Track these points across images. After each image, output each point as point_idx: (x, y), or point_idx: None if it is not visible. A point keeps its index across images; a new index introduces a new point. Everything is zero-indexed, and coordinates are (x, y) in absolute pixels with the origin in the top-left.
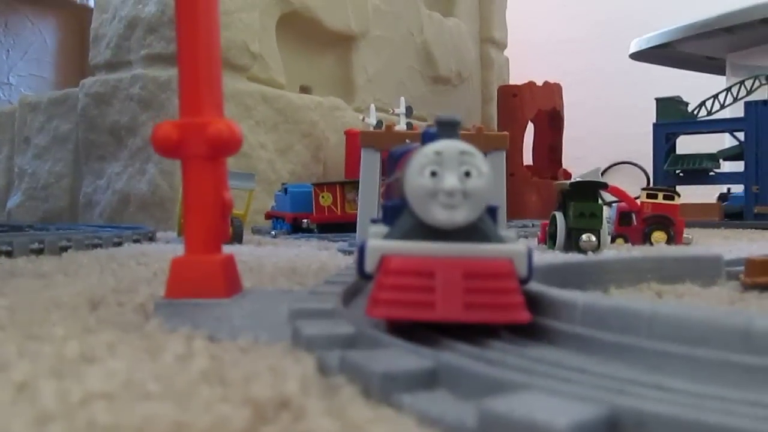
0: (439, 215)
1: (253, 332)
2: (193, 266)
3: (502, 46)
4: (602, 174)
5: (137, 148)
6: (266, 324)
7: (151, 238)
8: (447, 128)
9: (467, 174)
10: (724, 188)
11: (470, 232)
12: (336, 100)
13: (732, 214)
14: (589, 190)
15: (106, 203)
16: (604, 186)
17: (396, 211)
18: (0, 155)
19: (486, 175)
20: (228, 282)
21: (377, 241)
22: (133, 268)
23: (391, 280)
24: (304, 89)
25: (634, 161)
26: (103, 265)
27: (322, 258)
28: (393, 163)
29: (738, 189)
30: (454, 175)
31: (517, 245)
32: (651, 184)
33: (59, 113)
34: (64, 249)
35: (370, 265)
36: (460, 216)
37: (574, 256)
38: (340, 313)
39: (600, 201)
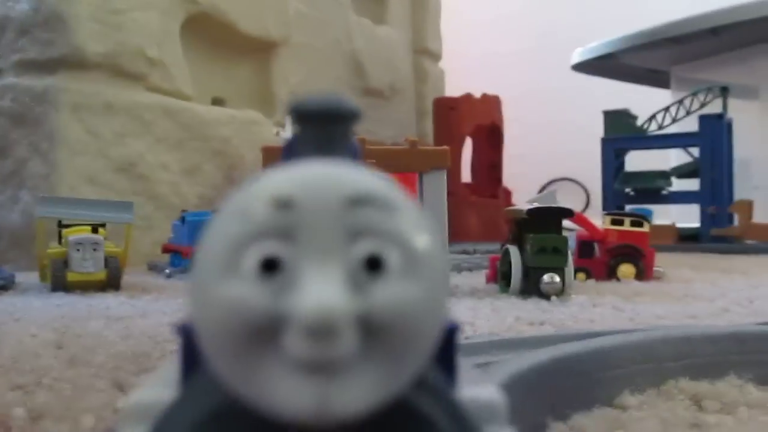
0: (290, 396)
1: None
2: None
3: (436, 57)
4: (541, 192)
5: (9, 172)
6: None
7: (3, 287)
8: (318, 131)
9: (372, 264)
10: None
11: (385, 429)
12: (253, 113)
13: (686, 237)
14: (550, 219)
15: None
16: (569, 213)
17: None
18: None
19: (429, 264)
20: None
21: None
22: None
23: None
24: (218, 102)
25: (574, 177)
26: None
27: None
28: None
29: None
30: (331, 272)
31: None
32: (590, 203)
33: None
34: None
35: None
36: (351, 396)
37: (557, 347)
38: None
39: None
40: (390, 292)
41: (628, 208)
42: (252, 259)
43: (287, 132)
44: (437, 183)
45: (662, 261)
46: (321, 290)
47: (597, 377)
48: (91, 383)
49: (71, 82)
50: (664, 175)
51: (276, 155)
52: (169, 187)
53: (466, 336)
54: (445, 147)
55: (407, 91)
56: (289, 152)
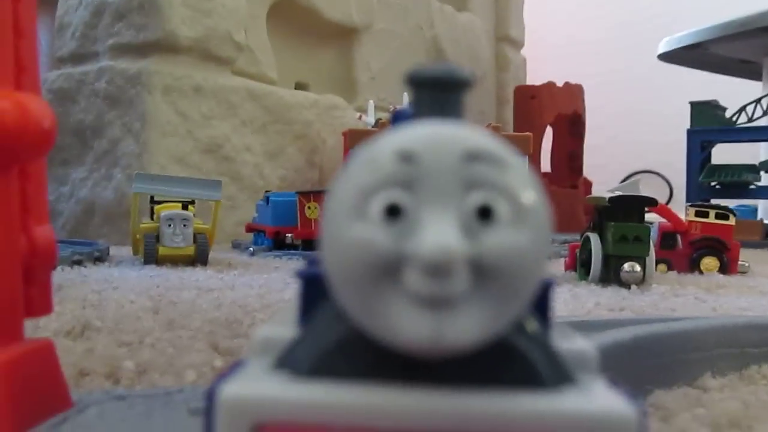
0: (408, 326)
1: None
2: None
3: (518, 45)
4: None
5: (103, 151)
6: None
7: (99, 258)
8: (435, 97)
9: (484, 213)
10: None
11: (489, 364)
12: (335, 98)
13: None
14: (633, 208)
15: (69, 213)
16: (653, 203)
17: (321, 292)
18: None
19: (535, 216)
20: (19, 404)
21: (250, 381)
22: None
23: None
24: (301, 86)
25: (657, 170)
26: None
27: (287, 294)
28: None
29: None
30: (447, 219)
31: (605, 399)
32: (673, 197)
33: None
34: None
35: None
36: (462, 329)
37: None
38: None
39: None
40: (499, 239)
41: (735, 205)
42: (378, 205)
43: (370, 117)
44: None
45: (747, 256)
46: (439, 233)
47: (679, 358)
48: (190, 344)
49: (163, 65)
50: (753, 169)
51: (358, 138)
52: (252, 169)
53: None
54: (528, 133)
55: (488, 78)
56: (398, 120)
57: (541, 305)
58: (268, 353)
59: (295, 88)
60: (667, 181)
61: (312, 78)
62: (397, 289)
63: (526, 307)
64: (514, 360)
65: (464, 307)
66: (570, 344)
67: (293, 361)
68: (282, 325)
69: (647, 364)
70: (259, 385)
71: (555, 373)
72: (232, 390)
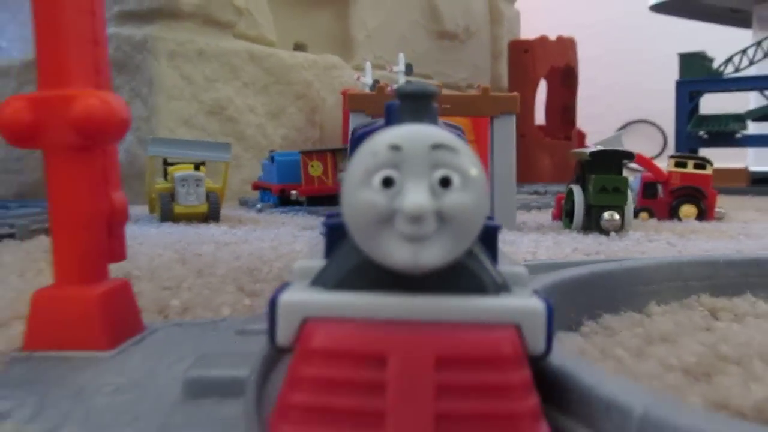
0: (397, 253)
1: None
2: (61, 304)
3: None
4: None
5: None
6: (147, 405)
7: None
8: (413, 105)
9: (444, 182)
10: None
11: (450, 278)
12: (333, 57)
13: (759, 180)
14: (612, 161)
15: None
16: (630, 156)
17: (340, 236)
18: None
19: (476, 184)
20: (111, 325)
21: (297, 293)
22: (49, 273)
23: (314, 369)
24: (299, 47)
25: (651, 120)
26: (27, 265)
27: (297, 246)
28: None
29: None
30: (421, 186)
31: (528, 299)
32: (668, 146)
33: (32, 79)
34: (9, 236)
35: (284, 335)
36: (431, 255)
37: (600, 262)
38: (251, 393)
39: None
40: (454, 199)
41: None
42: (377, 178)
43: (367, 77)
44: (507, 126)
45: (730, 203)
46: (416, 196)
47: (629, 290)
48: (221, 287)
49: (167, 31)
50: (739, 118)
51: (357, 102)
52: (255, 129)
53: (525, 260)
54: (515, 93)
55: (482, 33)
56: (390, 117)
57: (491, 242)
58: (305, 277)
59: (294, 49)
60: (662, 131)
61: (310, 38)
62: (391, 230)
63: (474, 241)
64: (467, 275)
65: (432, 241)
66: (510, 267)
67: (323, 280)
68: (312, 259)
69: (601, 295)
70: (303, 295)
71: (495, 284)
72: (287, 298)
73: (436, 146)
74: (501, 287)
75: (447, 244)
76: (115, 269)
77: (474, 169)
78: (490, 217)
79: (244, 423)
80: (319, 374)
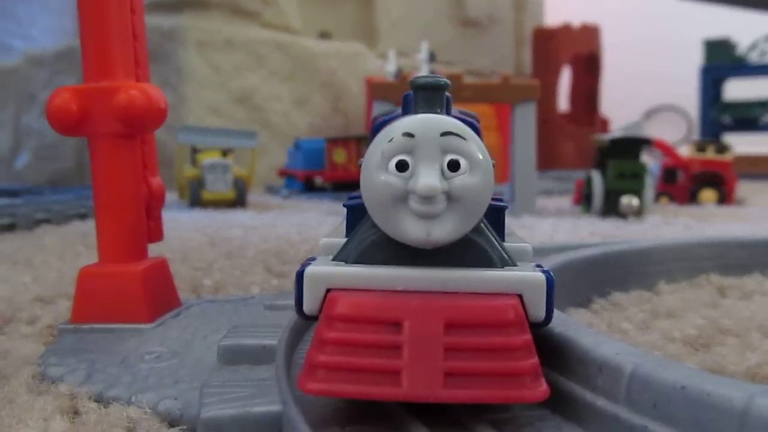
0: (411, 230)
1: (156, 392)
2: (105, 280)
3: None
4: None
5: None
6: (186, 371)
7: None
8: (426, 96)
9: (453, 166)
10: None
11: (459, 252)
12: (357, 45)
13: None
14: (630, 147)
15: None
16: (649, 143)
17: (360, 215)
18: (6, 113)
19: (482, 167)
20: (152, 300)
21: (321, 266)
22: (86, 255)
23: (337, 333)
24: (324, 35)
25: (676, 106)
26: (64, 248)
27: (322, 230)
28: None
29: None
30: (432, 169)
31: (531, 271)
32: (691, 132)
33: (64, 68)
34: (45, 221)
35: (310, 304)
36: (442, 231)
37: (612, 243)
38: (281, 360)
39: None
40: (462, 180)
41: None
42: (393, 162)
43: (391, 65)
44: (527, 113)
45: (753, 188)
46: (428, 178)
47: (639, 270)
48: (250, 268)
49: (195, 20)
50: (763, 105)
51: (380, 91)
52: (281, 117)
53: (541, 243)
54: (535, 81)
55: (505, 20)
56: (406, 107)
57: (498, 220)
58: (329, 252)
59: (319, 38)
60: (687, 117)
61: (334, 27)
62: (405, 209)
63: (481, 218)
64: (474, 250)
65: (443, 219)
66: (516, 243)
67: (345, 255)
68: (335, 236)
69: (612, 275)
70: (327, 268)
71: (500, 258)
72: (312, 270)
73: (446, 133)
74: (506, 261)
75: (456, 222)
76: (150, 252)
77: (480, 154)
78: (500, 198)
79: (276, 383)
80: (341, 337)
